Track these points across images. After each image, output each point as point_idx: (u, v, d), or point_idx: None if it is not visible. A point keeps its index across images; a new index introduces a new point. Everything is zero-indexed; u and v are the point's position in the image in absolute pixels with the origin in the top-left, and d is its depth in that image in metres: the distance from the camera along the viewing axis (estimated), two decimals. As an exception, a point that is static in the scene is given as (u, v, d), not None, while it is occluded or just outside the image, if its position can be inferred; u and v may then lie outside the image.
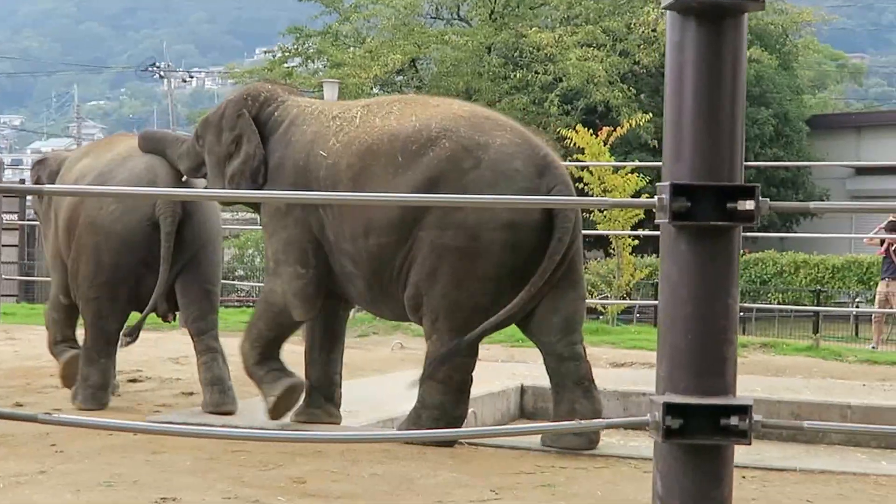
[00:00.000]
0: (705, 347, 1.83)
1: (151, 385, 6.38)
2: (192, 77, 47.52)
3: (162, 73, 40.69)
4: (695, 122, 1.84)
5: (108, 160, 5.66)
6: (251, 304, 16.96)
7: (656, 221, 1.84)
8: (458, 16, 24.79)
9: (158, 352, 7.65)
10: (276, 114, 4.98)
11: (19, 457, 4.15)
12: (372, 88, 23.10)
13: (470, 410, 4.85)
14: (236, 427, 4.54)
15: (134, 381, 6.44)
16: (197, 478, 3.83)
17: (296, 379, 4.89)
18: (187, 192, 5.44)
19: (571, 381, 4.48)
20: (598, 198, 12.37)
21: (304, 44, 23.73)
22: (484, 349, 8.07)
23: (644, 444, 4.24)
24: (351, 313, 6.26)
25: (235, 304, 17.65)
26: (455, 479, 3.90)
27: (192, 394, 5.92)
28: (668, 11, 1.86)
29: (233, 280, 18.09)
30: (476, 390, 5.74)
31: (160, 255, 5.25)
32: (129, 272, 5.40)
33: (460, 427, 4.58)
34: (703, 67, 1.84)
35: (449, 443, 4.47)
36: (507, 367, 7.36)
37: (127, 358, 6.45)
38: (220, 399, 5.24)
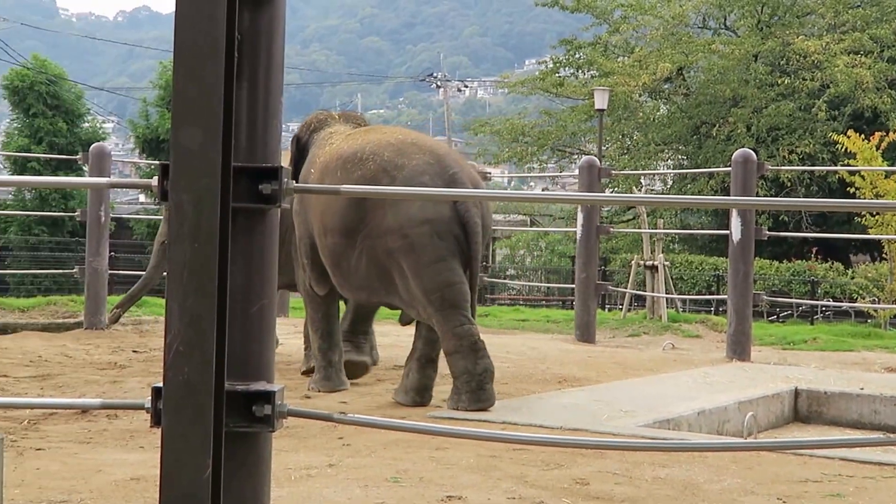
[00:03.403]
0: None
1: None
2: (466, 87, 49.47)
3: (439, 84, 42.75)
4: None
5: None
6: (522, 303, 17.98)
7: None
8: (725, 25, 25.13)
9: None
10: (316, 138, 6.17)
11: (308, 449, 4.19)
12: (640, 96, 23.84)
13: (749, 414, 5.48)
14: (516, 425, 4.63)
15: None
16: (480, 476, 3.82)
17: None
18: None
19: (418, 356, 5.50)
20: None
21: (574, 54, 24.76)
22: (756, 351, 8.31)
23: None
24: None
25: (507, 302, 18.68)
26: (740, 486, 3.81)
27: None
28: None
29: (504, 279, 19.06)
30: (751, 393, 6.13)
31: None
32: None
33: None
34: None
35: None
36: (779, 369, 7.26)
37: (400, 354, 6.61)
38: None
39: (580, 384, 6.33)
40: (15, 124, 21.10)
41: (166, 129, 21.18)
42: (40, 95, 20.38)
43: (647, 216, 12.89)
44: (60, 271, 16.70)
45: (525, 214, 25.59)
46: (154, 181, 2.19)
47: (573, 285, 18.35)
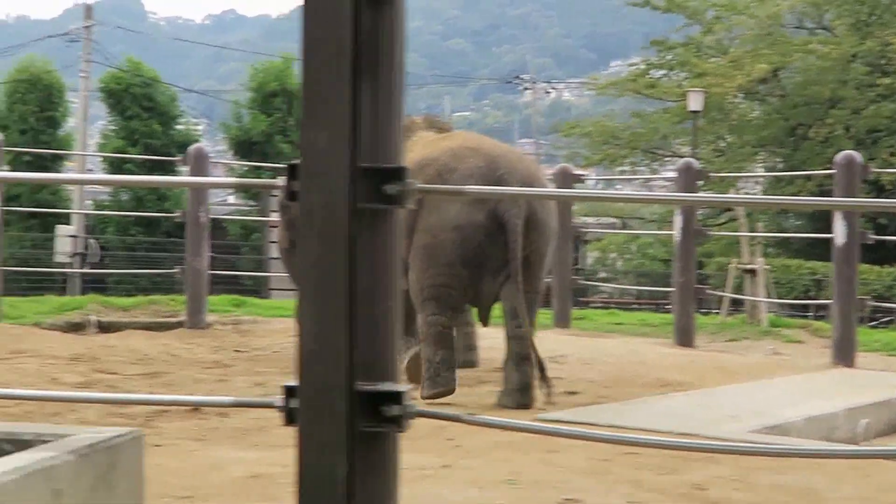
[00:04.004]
0: None
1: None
2: (553, 88, 49.41)
3: (526, 86, 42.77)
4: None
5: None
6: (613, 306, 17.87)
7: None
8: (822, 25, 24.62)
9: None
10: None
11: (420, 450, 4.16)
12: (735, 97, 23.51)
13: (864, 420, 5.46)
14: (624, 428, 4.57)
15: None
16: (595, 479, 3.81)
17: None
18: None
19: (511, 355, 5.57)
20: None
21: (665, 55, 24.49)
22: (861, 357, 8.14)
23: None
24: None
25: (599, 305, 18.57)
26: (859, 494, 3.74)
27: (575, 393, 5.97)
28: None
29: (595, 282, 18.96)
30: (860, 399, 6.02)
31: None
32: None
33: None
34: None
35: None
36: (886, 376, 7.18)
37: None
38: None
39: (683, 388, 6.24)
40: (111, 126, 21.57)
41: (259, 131, 21.46)
42: (135, 98, 20.78)
43: (745, 218, 12.70)
44: (160, 271, 17.15)
45: (616, 217, 25.42)
46: (280, 181, 2.22)
47: (665, 288, 18.25)
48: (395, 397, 2.27)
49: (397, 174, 2.09)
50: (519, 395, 5.47)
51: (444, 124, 6.83)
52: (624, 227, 23.82)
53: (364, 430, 2.13)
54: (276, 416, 4.72)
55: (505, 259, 5.46)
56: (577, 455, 4.11)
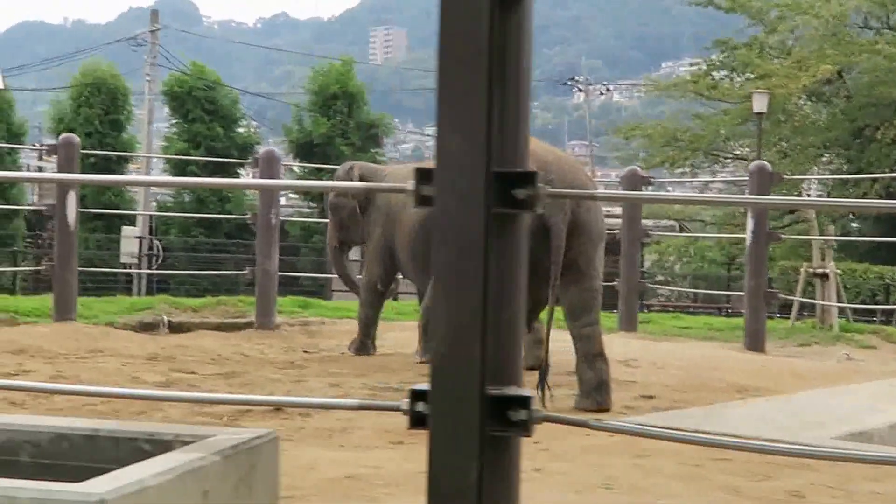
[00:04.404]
0: None
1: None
2: (608, 90, 49.32)
3: (580, 87, 42.68)
4: None
5: None
6: (672, 309, 17.78)
7: None
8: (888, 25, 24.22)
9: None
10: None
11: None
12: (799, 98, 23.23)
13: None
14: (708, 433, 4.49)
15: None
16: (689, 485, 3.77)
17: None
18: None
19: (580, 355, 5.55)
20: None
21: (728, 56, 24.22)
22: None
23: None
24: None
25: (657, 308, 18.46)
26: None
27: (651, 397, 5.91)
28: None
29: (653, 284, 18.86)
30: None
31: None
32: None
33: None
34: None
35: None
36: None
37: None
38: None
39: (760, 394, 6.20)
40: (174, 129, 21.81)
41: (319, 134, 21.58)
42: (198, 101, 21.01)
43: (815, 221, 12.54)
44: (226, 273, 17.41)
45: (674, 220, 25.24)
46: (409, 184, 2.23)
47: (725, 292, 18.10)
48: (523, 401, 2.29)
49: (528, 178, 2.11)
50: (596, 394, 5.46)
51: None
52: (681, 229, 23.66)
53: (493, 435, 2.13)
54: (357, 417, 4.72)
55: (546, 265, 5.42)
56: (667, 460, 4.07)
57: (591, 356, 5.52)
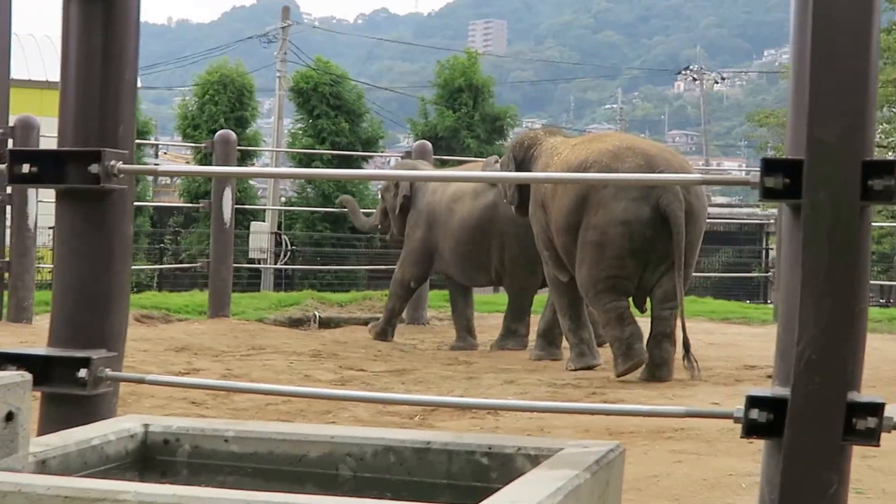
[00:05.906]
0: None
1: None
2: (723, 78, 48.46)
3: (694, 76, 41.98)
4: None
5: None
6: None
7: None
8: None
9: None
10: (534, 154, 6.78)
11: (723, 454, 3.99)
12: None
13: None
14: None
15: None
16: None
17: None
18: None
19: (652, 334, 6.02)
20: None
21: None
22: None
23: None
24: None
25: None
26: None
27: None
28: None
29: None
30: None
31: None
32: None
33: None
34: None
35: None
36: None
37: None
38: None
39: None
40: (299, 124, 21.93)
41: (444, 127, 21.53)
42: (323, 96, 21.07)
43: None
44: (352, 267, 17.58)
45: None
46: (752, 177, 2.13)
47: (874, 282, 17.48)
48: (873, 409, 2.17)
49: (888, 168, 2.04)
50: (655, 368, 5.92)
51: (563, 130, 7.53)
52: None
53: (841, 444, 2.02)
54: (548, 417, 4.53)
55: (667, 249, 5.89)
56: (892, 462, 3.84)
57: (660, 336, 5.99)
